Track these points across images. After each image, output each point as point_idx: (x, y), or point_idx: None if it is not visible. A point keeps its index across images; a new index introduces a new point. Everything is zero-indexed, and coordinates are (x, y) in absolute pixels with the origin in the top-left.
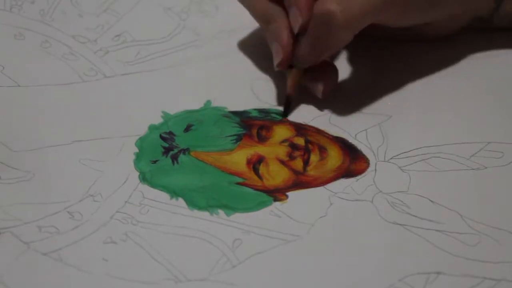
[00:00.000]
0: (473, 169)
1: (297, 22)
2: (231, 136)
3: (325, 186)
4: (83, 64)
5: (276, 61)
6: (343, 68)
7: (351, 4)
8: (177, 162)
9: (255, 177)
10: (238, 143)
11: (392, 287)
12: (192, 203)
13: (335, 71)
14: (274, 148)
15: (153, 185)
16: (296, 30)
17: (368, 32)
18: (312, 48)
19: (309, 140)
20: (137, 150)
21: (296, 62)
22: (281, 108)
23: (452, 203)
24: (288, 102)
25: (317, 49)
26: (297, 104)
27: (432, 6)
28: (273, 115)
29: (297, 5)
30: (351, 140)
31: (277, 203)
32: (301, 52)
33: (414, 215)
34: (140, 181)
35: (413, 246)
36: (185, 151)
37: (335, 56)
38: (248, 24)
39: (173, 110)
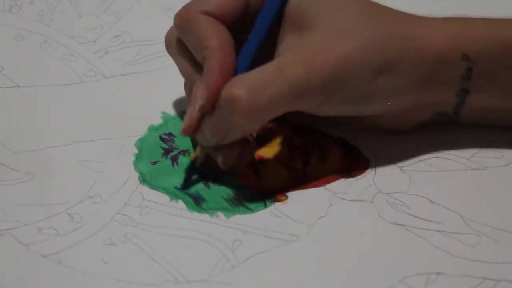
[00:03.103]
0: (473, 169)
1: (199, 101)
2: None
3: (325, 186)
4: (83, 65)
5: (182, 126)
6: None
7: (259, 92)
8: (177, 164)
9: (255, 178)
10: None
11: None
12: (192, 206)
13: (246, 145)
14: (273, 148)
15: (152, 186)
16: (197, 108)
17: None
18: (214, 130)
19: (308, 141)
20: (136, 151)
21: (198, 136)
22: None
23: (452, 204)
24: (193, 167)
25: (219, 133)
26: None
27: (365, 101)
28: None
29: (205, 81)
30: (351, 140)
31: (277, 204)
32: (202, 130)
33: (414, 216)
34: (140, 183)
35: (413, 246)
36: (185, 152)
37: None
38: None
39: (172, 111)
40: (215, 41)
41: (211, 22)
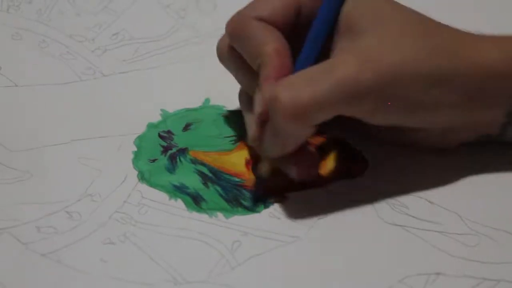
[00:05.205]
0: (472, 169)
1: (258, 108)
2: (230, 136)
3: (324, 187)
4: (81, 63)
5: (248, 136)
6: None
7: (301, 92)
8: (176, 162)
9: (255, 178)
10: (237, 144)
11: None
12: (191, 205)
13: (311, 157)
14: None
15: (151, 184)
16: (256, 119)
17: (357, 128)
18: (272, 140)
19: (308, 141)
20: (135, 149)
21: (264, 151)
22: None
23: (451, 204)
24: (260, 186)
25: (277, 141)
26: None
27: (415, 112)
28: None
29: (260, 91)
30: (350, 141)
31: (276, 205)
32: (264, 143)
33: (413, 216)
34: (139, 180)
35: (412, 247)
36: (184, 150)
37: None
38: None
39: (171, 108)
40: (271, 46)
41: (266, 28)
